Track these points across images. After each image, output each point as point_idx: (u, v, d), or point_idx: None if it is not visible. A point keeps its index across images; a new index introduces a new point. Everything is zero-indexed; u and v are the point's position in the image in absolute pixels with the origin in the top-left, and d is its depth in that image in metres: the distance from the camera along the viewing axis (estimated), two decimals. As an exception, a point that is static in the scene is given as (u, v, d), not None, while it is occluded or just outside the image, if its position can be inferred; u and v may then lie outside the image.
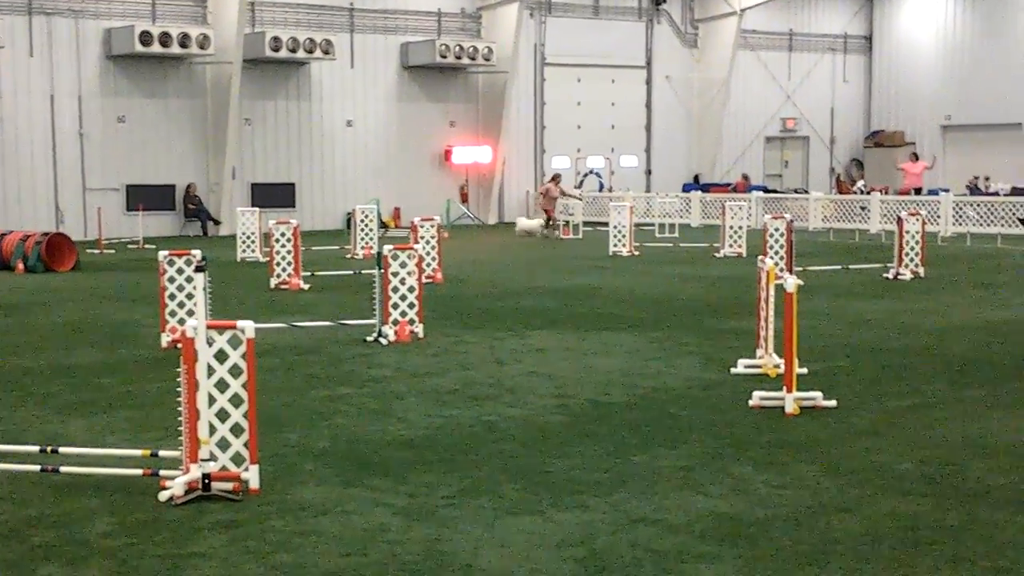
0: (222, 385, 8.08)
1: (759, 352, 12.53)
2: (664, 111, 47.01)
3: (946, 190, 37.00)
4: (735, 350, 13.27)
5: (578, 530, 7.20)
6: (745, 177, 45.41)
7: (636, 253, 28.14)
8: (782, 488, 8.10)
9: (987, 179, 43.45)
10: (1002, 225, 31.69)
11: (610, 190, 43.68)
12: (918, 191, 38.77)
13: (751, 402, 10.65)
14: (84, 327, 16.59)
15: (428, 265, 20.98)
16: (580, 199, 38.95)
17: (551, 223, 35.19)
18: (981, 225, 32.12)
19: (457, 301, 18.90)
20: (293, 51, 36.96)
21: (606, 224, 30.02)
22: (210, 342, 8.05)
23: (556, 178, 36.52)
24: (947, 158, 48.39)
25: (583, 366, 12.90)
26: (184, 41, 34.97)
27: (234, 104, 36.33)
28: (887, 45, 51.09)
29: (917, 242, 22.41)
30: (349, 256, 27.58)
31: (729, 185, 44.50)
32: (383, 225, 33.94)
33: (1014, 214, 31.89)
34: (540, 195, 36.70)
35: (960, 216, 32.83)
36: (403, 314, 14.99)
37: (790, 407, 10.34)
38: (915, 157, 41.74)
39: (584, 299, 19.28)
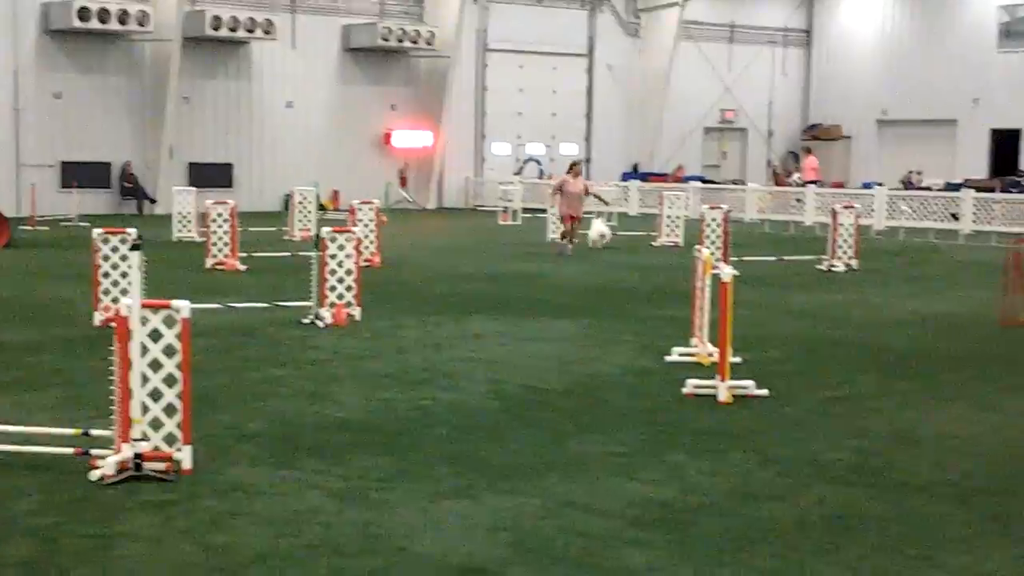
0: (156, 365, 8.01)
1: (694, 341, 12.63)
2: (605, 100, 47.12)
3: (880, 184, 37.40)
4: (670, 338, 13.35)
5: (511, 514, 7.23)
6: (680, 168, 45.66)
7: (574, 241, 28.18)
8: (714, 475, 8.18)
9: (919, 174, 43.98)
10: (935, 220, 32.11)
11: (550, 177, 43.71)
12: (814, 183, 39.39)
13: (685, 390, 10.74)
14: (15, 304, 16.37)
15: (366, 248, 20.87)
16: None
17: (571, 233, 25.38)
18: (914, 219, 32.53)
19: (395, 285, 18.87)
20: (233, 30, 36.63)
21: (545, 211, 30.06)
22: (144, 321, 7.98)
23: (575, 167, 26.59)
24: (883, 153, 48.94)
25: (519, 352, 12.94)
26: (123, 17, 34.53)
27: (173, 82, 35.94)
28: (826, 40, 51.53)
29: (851, 235, 22.67)
30: (287, 238, 27.42)
31: (667, 175, 44.73)
32: (321, 207, 33.73)
33: (947, 209, 32.33)
34: (555, 192, 26.04)
35: (894, 210, 33.22)
36: (340, 297, 14.94)
37: (723, 396, 10.44)
38: (808, 152, 42.39)
39: (521, 286, 19.31)
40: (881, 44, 49.37)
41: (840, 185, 43.13)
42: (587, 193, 25.85)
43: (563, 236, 25.30)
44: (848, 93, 50.21)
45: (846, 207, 23.52)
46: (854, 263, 22.46)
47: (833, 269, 22.18)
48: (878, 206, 32.95)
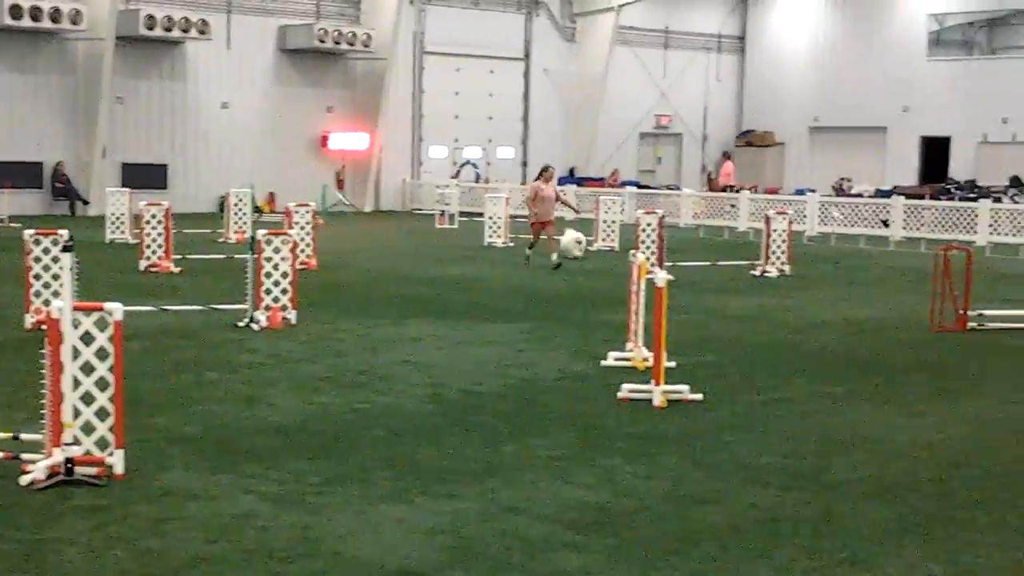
0: (88, 368, 7.95)
1: (629, 345, 12.72)
2: (541, 104, 47.24)
3: (812, 190, 37.81)
4: (606, 343, 13.43)
5: (448, 518, 7.25)
6: (615, 172, 45.88)
7: (511, 244, 28.27)
8: (648, 479, 8.25)
9: (848, 181, 44.50)
10: (865, 226, 32.51)
11: (486, 181, 43.77)
12: (731, 188, 39.92)
13: (620, 394, 10.81)
14: (-56, 306, 16.11)
15: (302, 251, 20.78)
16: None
17: (536, 240, 23.70)
18: (845, 225, 32.92)
19: (331, 288, 18.80)
20: (168, 30, 36.27)
21: (481, 215, 30.10)
22: (76, 324, 7.91)
23: (546, 172, 24.28)
24: (815, 159, 49.48)
25: (457, 356, 12.95)
26: (55, 15, 34.10)
27: (106, 82, 35.54)
28: (759, 46, 52.05)
29: (784, 240, 22.91)
30: (222, 240, 27.21)
31: (603, 180, 44.92)
32: (257, 210, 33.52)
33: (877, 215, 32.75)
34: (528, 200, 24.17)
35: (825, 216, 33.60)
36: (276, 300, 14.87)
37: (658, 400, 10.52)
38: (727, 157, 42.95)
39: (458, 289, 19.33)
40: (813, 51, 49.94)
41: (774, 191, 43.54)
42: (557, 199, 24.37)
43: (530, 246, 23.68)
44: (781, 100, 50.74)
45: (779, 213, 23.76)
46: (787, 268, 22.69)
47: (766, 274, 22.40)
48: (810, 212, 33.32)
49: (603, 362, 12.51)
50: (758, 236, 25.80)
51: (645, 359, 12.01)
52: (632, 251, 13.82)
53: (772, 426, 9.94)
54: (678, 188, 43.31)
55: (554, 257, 22.81)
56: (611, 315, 15.79)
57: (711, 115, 51.51)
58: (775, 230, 22.88)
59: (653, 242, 22.35)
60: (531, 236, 23.92)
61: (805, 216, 32.88)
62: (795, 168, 49.80)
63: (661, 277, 10.80)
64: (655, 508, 7.58)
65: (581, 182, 43.53)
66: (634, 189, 39.13)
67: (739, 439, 9.45)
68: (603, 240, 28.19)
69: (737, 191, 38.47)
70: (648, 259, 15.71)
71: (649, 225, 22.49)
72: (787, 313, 17.23)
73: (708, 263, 24.59)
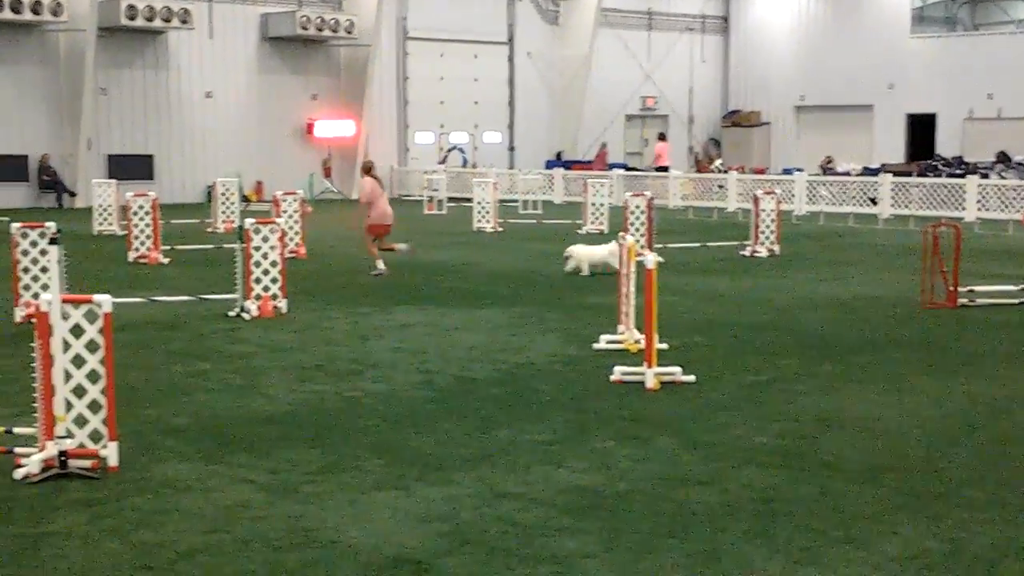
0: (78, 360, 7.92)
1: (620, 328, 12.71)
2: (526, 88, 47.18)
3: (800, 170, 37.84)
4: (597, 326, 13.43)
5: (443, 505, 7.24)
6: (604, 146, 45.84)
7: (500, 229, 28.24)
8: (643, 461, 8.25)
9: (830, 160, 44.50)
10: (854, 204, 32.55)
11: (473, 166, 43.72)
12: (664, 169, 40.03)
13: (612, 377, 10.81)
14: (-68, 301, 16.05)
15: (291, 240, 20.78)
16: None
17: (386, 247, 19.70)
18: (834, 204, 32.95)
19: (321, 276, 18.77)
20: (149, 19, 36.14)
21: (470, 200, 30.07)
22: (65, 316, 7.88)
23: (368, 169, 19.95)
24: (801, 138, 49.53)
25: (447, 342, 12.94)
26: (36, 7, 33.95)
27: (89, 73, 35.40)
28: (743, 26, 52.05)
29: (772, 220, 22.93)
30: (210, 230, 27.15)
31: (591, 162, 44.89)
32: (245, 199, 33.45)
33: (865, 194, 32.79)
34: (365, 202, 19.49)
35: (814, 195, 33.64)
36: (266, 289, 14.84)
37: (650, 382, 10.52)
38: (662, 137, 43.10)
39: (448, 275, 19.30)
40: (797, 30, 49.96)
41: (761, 171, 43.57)
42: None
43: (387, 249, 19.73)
44: (766, 79, 50.77)
45: (767, 193, 23.77)
46: (776, 248, 22.71)
47: (756, 255, 22.42)
48: (798, 192, 33.33)
49: (595, 345, 12.51)
50: (747, 216, 25.81)
51: (637, 341, 12.02)
52: (621, 234, 13.81)
53: (765, 406, 9.95)
54: (666, 170, 43.28)
55: (404, 247, 19.78)
56: (601, 298, 15.79)
57: (697, 96, 51.50)
58: (763, 210, 22.89)
59: (642, 224, 22.33)
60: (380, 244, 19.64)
61: (793, 196, 32.90)
62: (782, 147, 49.84)
63: (651, 259, 10.80)
64: (650, 490, 7.58)
65: (568, 165, 43.54)
66: (622, 172, 39.10)
67: (732, 420, 9.45)
68: (592, 223, 28.16)
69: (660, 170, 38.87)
70: (638, 241, 15.70)
71: (638, 207, 22.46)
72: (778, 293, 17.24)
73: (698, 244, 24.59)
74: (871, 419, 9.53)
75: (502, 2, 46.25)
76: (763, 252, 22.52)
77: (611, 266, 19.36)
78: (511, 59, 46.84)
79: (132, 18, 35.81)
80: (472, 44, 45.43)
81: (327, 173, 41.63)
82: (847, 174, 39.16)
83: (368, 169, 19.87)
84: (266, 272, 14.86)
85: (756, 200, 23.18)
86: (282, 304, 14.90)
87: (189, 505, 7.22)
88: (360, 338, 13.15)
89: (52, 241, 8.46)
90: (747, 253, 22.62)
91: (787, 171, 39.61)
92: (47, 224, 13.92)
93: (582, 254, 19.43)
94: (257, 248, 14.87)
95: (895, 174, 34.36)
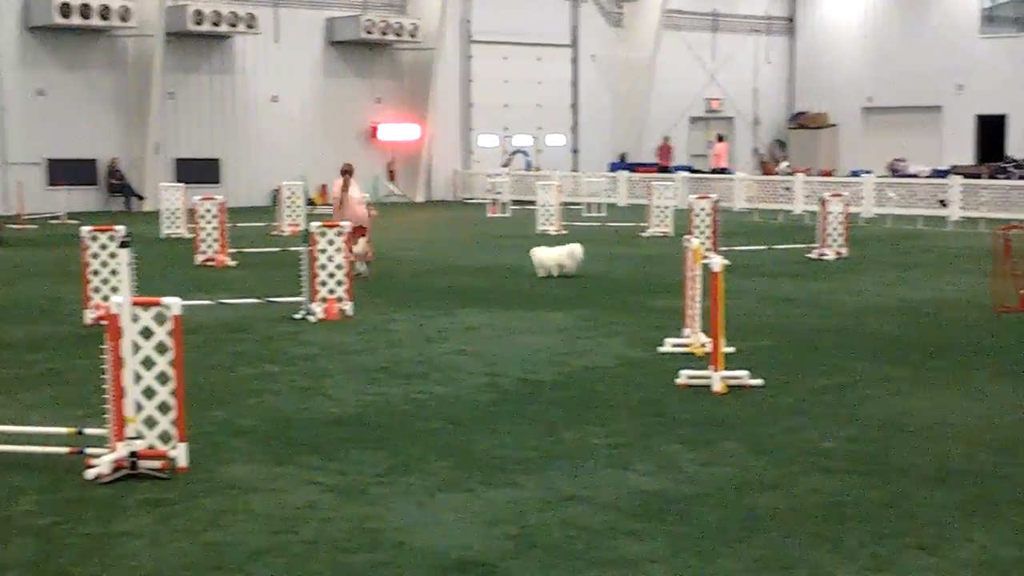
0: (148, 362, 8.00)
1: (686, 331, 12.63)
2: (590, 90, 47.10)
3: (868, 172, 37.46)
4: (662, 329, 13.36)
5: (508, 507, 7.23)
6: (666, 139, 45.58)
7: (563, 232, 28.19)
8: (709, 465, 8.19)
9: (902, 161, 44.02)
10: (923, 206, 32.17)
11: (537, 169, 43.71)
12: (724, 170, 39.74)
13: (678, 380, 10.75)
14: (5, 303, 16.31)
15: (356, 243, 20.83)
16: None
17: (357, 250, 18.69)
18: (902, 206, 32.58)
19: (385, 279, 18.84)
20: (216, 24, 36.50)
21: (533, 203, 30.06)
22: (135, 319, 7.96)
23: (346, 172, 20.08)
24: (868, 140, 49.02)
25: (512, 344, 12.93)
26: (105, 13, 34.38)
27: (156, 78, 35.81)
28: (809, 27, 51.60)
29: (840, 223, 22.70)
30: (275, 233, 27.36)
31: (655, 165, 44.70)
32: (310, 202, 33.68)
33: (934, 196, 32.39)
34: (336, 203, 19.91)
35: (881, 197, 33.27)
36: (331, 292, 14.92)
37: (717, 386, 10.45)
38: (721, 139, 42.72)
39: (512, 278, 19.30)
40: (864, 31, 49.46)
41: (828, 173, 43.18)
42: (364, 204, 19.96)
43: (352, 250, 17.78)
44: (833, 80, 50.30)
45: (835, 195, 23.54)
46: (844, 251, 22.49)
47: (823, 257, 22.21)
48: (866, 194, 33.00)
49: (660, 348, 12.44)
50: (814, 219, 25.58)
51: (703, 345, 11.94)
52: (686, 236, 13.73)
53: (833, 410, 9.84)
54: (731, 172, 43.03)
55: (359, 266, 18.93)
56: (666, 301, 15.71)
57: (762, 98, 51.12)
58: (831, 212, 22.68)
59: (708, 227, 22.21)
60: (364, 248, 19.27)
61: (861, 198, 32.57)
62: (849, 149, 49.34)
63: (717, 262, 10.72)
64: (717, 495, 7.52)
65: (633, 168, 43.39)
66: (686, 174, 38.91)
67: (800, 424, 9.36)
68: (656, 226, 28.04)
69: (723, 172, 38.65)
70: (703, 244, 15.62)
71: (703, 210, 22.35)
72: (845, 296, 17.06)
73: (764, 247, 24.41)
74: (941, 424, 9.39)
75: (566, 5, 46.21)
76: (830, 255, 22.30)
77: (565, 267, 19.36)
78: (575, 61, 46.78)
79: (199, 23, 36.19)
80: (536, 47, 45.42)
81: (391, 176, 41.80)
82: (915, 176, 38.71)
83: (343, 171, 20.03)
84: (331, 275, 14.94)
85: (823, 202, 22.97)
86: (347, 306, 14.97)
87: (257, 506, 7.26)
88: (425, 340, 13.17)
89: (122, 244, 8.54)
90: (814, 256, 22.41)
91: (854, 173, 39.23)
92: (117, 227, 14.08)
93: (541, 256, 19.40)
94: (322, 251, 14.95)
95: (965, 176, 33.91)
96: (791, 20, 51.97)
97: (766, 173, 44.96)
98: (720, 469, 8.10)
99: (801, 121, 51.26)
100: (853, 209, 27.25)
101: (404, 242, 25.59)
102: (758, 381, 10.70)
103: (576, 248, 19.40)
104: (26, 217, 31.29)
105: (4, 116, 34.84)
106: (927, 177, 37.65)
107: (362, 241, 19.03)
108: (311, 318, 14.54)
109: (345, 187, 19.61)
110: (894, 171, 42.77)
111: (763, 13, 51.04)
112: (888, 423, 9.39)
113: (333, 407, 9.93)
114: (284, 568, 6.25)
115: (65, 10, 33.87)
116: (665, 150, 44.93)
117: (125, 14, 34.67)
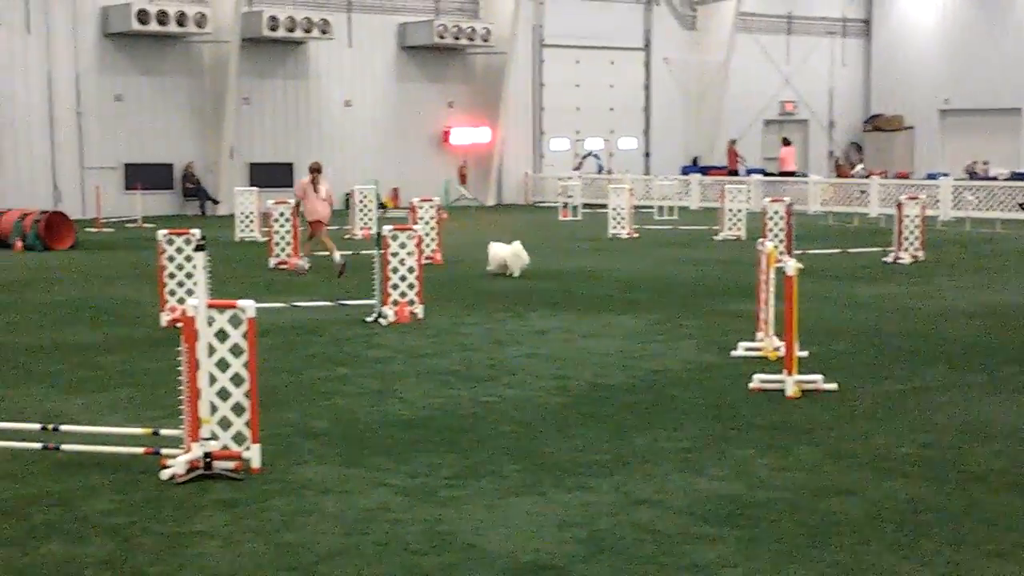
0: (223, 364, 8.07)
1: (759, 335, 12.53)
2: (663, 93, 46.93)
3: (945, 174, 36.95)
4: (735, 333, 13.27)
5: (580, 511, 7.20)
6: (732, 142, 45.23)
7: (635, 235, 28.12)
8: (783, 470, 8.10)
9: (985, 163, 43.39)
10: (1001, 210, 31.66)
11: (609, 172, 43.63)
12: (791, 173, 39.34)
13: (751, 385, 10.66)
14: (83, 305, 16.57)
15: (427, 246, 20.94)
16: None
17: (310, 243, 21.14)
18: (980, 210, 32.09)
19: (456, 282, 18.88)
20: (291, 30, 36.86)
21: (605, 206, 29.99)
22: (211, 321, 8.04)
23: (314, 170, 21.26)
24: (946, 143, 48.37)
25: (582, 348, 12.90)
26: (181, 19, 34.86)
27: (232, 83, 36.22)
28: (886, 29, 51.00)
29: (917, 226, 22.41)
30: (348, 236, 27.55)
31: (726, 168, 44.41)
32: (382, 206, 33.89)
33: (1014, 199, 31.86)
34: (298, 201, 21.26)
35: (959, 200, 32.81)
36: (403, 295, 14.98)
37: (791, 390, 10.34)
38: (786, 142, 42.23)
39: (583, 281, 19.27)
40: (942, 32, 48.79)
41: (904, 176, 42.65)
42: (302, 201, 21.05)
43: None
44: (909, 83, 49.67)
45: (911, 198, 23.24)
46: (920, 255, 22.19)
47: (899, 261, 21.93)
48: (943, 197, 32.55)
49: (732, 352, 12.35)
50: (890, 222, 25.27)
51: (776, 349, 11.83)
52: (760, 240, 13.62)
53: (909, 416, 9.70)
54: (805, 175, 42.67)
55: (338, 258, 20.25)
56: (739, 305, 15.60)
57: (837, 100, 50.62)
58: (907, 215, 22.39)
59: (781, 230, 22.03)
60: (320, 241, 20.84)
61: (938, 201, 32.13)
62: (925, 152, 48.71)
63: (791, 265, 10.62)
64: (790, 499, 7.44)
65: (705, 171, 43.18)
66: (760, 177, 38.62)
67: (875, 429, 9.24)
68: (729, 229, 27.87)
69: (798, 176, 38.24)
70: (777, 247, 15.49)
71: (777, 213, 22.18)
72: (921, 300, 16.83)
73: (838, 251, 24.16)
74: (1019, 430, 9.22)
75: (638, 8, 46.10)
76: (907, 259, 22.01)
77: (510, 267, 19.37)
78: (647, 65, 46.64)
79: (274, 29, 36.57)
80: (608, 50, 45.35)
81: (462, 179, 41.94)
82: (994, 178, 38.12)
83: (310, 169, 21.38)
84: (403, 278, 15.01)
85: (900, 205, 22.68)
86: (419, 310, 15.02)
87: (329, 507, 7.30)
88: (496, 344, 13.18)
89: (198, 248, 8.63)
90: (890, 260, 22.14)
91: (931, 176, 38.71)
92: (192, 231, 14.25)
93: (493, 253, 19.70)
94: (394, 254, 15.02)
95: (1045, 178, 33.35)
96: (867, 22, 51.41)
97: (841, 176, 44.51)
98: (794, 474, 8.01)
99: (877, 123, 50.70)
100: (930, 212, 26.88)
101: (474, 246, 25.61)
102: (832, 386, 10.58)
103: (519, 248, 19.63)
104: (103, 221, 31.78)
105: (83, 121, 35.45)
106: (1006, 180, 37.03)
107: (315, 239, 20.62)
108: (383, 321, 14.61)
109: (313, 184, 20.87)
110: (972, 174, 42.13)
111: (838, 15, 50.54)
112: (964, 429, 9.25)
113: (404, 410, 9.97)
114: (356, 570, 6.27)
115: (143, 17, 34.38)
116: (732, 154, 44.64)
117: (201, 20, 35.13)
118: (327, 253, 20.67)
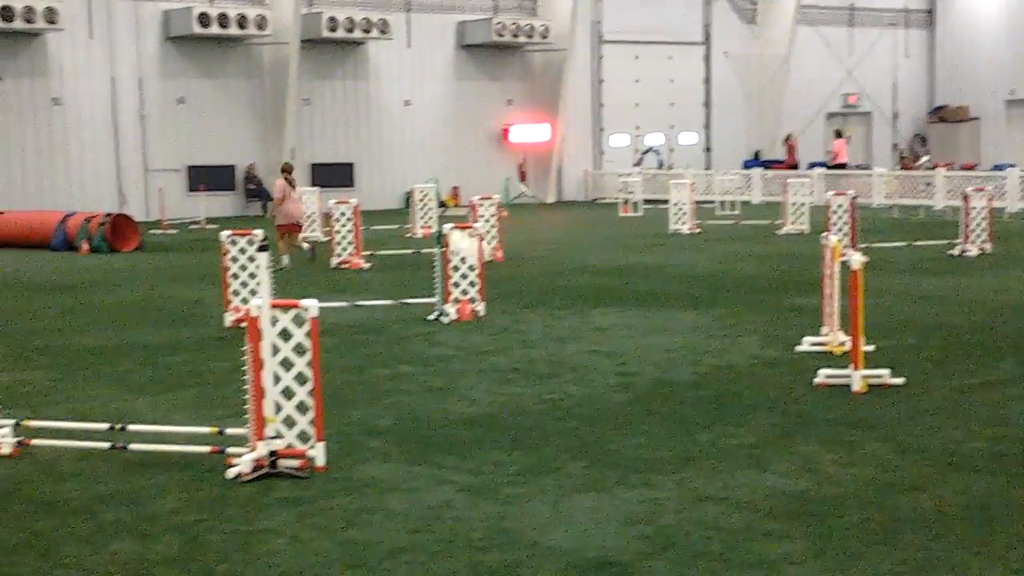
0: (287, 363, 8.11)
1: (824, 330, 12.40)
2: (723, 88, 46.65)
3: (1012, 165, 36.40)
4: (799, 328, 13.14)
5: (644, 508, 7.16)
6: (788, 137, 44.73)
7: (697, 231, 27.97)
8: (850, 466, 8.01)
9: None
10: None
11: (670, 167, 43.44)
12: (843, 165, 38.82)
13: (816, 380, 10.55)
14: (148, 306, 16.75)
15: (488, 244, 20.95)
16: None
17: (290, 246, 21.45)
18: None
19: (517, 280, 18.88)
20: (350, 31, 37.06)
21: (666, 202, 29.87)
22: (274, 321, 8.08)
23: (288, 171, 21.69)
24: (1012, 133, 47.68)
25: (645, 344, 12.84)
26: (242, 22, 35.18)
27: (292, 84, 36.49)
28: (950, 19, 50.35)
29: (984, 218, 22.09)
30: (409, 235, 27.64)
31: (783, 162, 44.05)
32: (442, 204, 33.98)
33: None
34: (277, 201, 21.60)
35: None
36: (464, 293, 14.99)
37: (857, 385, 10.22)
38: (838, 135, 41.67)
39: (645, 277, 19.19)
40: (1006, 21, 48.08)
41: (970, 167, 42.09)
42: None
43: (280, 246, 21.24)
44: (974, 73, 49.01)
45: (978, 190, 22.92)
46: (988, 247, 21.88)
47: (966, 254, 21.63)
48: (1011, 188, 32.08)
49: (797, 347, 12.23)
50: (956, 214, 24.94)
51: (841, 343, 11.71)
52: (824, 233, 13.48)
53: (978, 410, 9.55)
54: (869, 168, 42.23)
55: (305, 246, 21.89)
56: (803, 299, 15.46)
57: (901, 92, 50.09)
58: (974, 207, 22.07)
59: (845, 224, 21.81)
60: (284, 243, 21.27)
61: (1005, 192, 31.67)
62: (991, 143, 48.04)
63: (857, 259, 10.50)
64: (858, 495, 7.34)
65: (768, 165, 42.89)
66: (823, 170, 38.29)
67: (944, 424, 9.11)
68: (791, 223, 27.64)
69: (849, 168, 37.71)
70: (841, 241, 15.33)
71: (840, 206, 21.96)
72: (989, 293, 16.59)
73: (904, 244, 23.87)
74: (1094, 424, 9.06)
75: (698, 2, 45.85)
76: (973, 251, 21.70)
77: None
78: (707, 59, 46.40)
79: (333, 30, 36.79)
80: (667, 45, 45.17)
81: (522, 177, 41.94)
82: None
83: (283, 170, 21.70)
84: (464, 276, 15.01)
85: (966, 197, 22.37)
86: (480, 308, 15.03)
87: (393, 505, 7.31)
88: (557, 340, 13.15)
89: (261, 248, 8.68)
90: (956, 252, 21.84)
91: (998, 167, 38.17)
92: (255, 232, 14.37)
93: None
94: (455, 252, 15.02)
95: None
96: (930, 12, 50.80)
97: (905, 168, 44.02)
98: (861, 470, 7.91)
99: (941, 115, 50.09)
100: (997, 204, 26.49)
101: (535, 243, 25.62)
102: (899, 380, 10.45)
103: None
104: (167, 223, 32.12)
105: (146, 124, 35.86)
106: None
107: (288, 239, 21.15)
108: (444, 319, 14.62)
109: (292, 185, 21.37)
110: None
111: (901, 6, 50.00)
112: (1037, 423, 9.09)
113: (467, 407, 9.97)
114: (421, 567, 6.27)
115: (204, 20, 34.74)
116: (790, 148, 44.27)
117: (262, 23, 35.43)
118: (282, 253, 21.03)
